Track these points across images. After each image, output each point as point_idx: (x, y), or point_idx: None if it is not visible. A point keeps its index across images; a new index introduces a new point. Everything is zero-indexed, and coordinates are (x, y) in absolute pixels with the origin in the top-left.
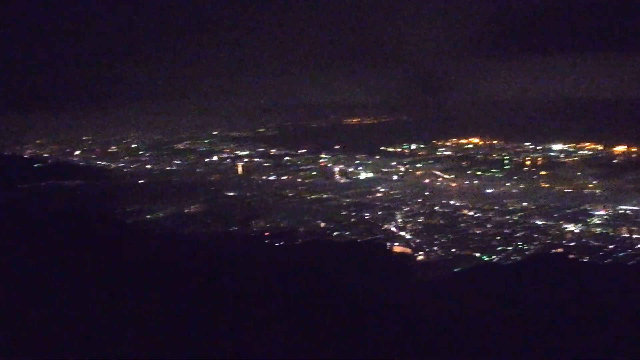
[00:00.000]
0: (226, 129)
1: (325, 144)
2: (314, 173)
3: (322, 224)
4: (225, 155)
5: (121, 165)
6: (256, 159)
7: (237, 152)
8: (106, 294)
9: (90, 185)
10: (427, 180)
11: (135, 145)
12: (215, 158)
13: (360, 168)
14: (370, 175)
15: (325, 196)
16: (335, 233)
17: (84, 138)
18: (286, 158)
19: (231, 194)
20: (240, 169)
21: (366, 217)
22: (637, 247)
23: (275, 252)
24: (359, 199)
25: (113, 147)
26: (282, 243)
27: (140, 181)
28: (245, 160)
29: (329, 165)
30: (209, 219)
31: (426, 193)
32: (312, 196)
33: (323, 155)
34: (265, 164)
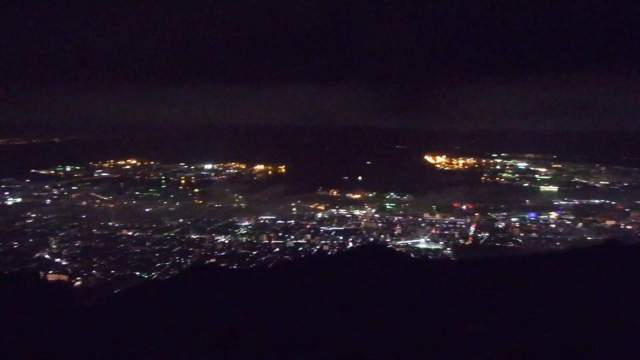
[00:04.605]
0: None
1: None
2: None
3: None
4: None
5: None
6: None
7: None
8: None
9: None
10: (84, 203)
11: None
12: None
13: (7, 193)
14: (19, 200)
15: None
16: None
17: None
18: None
19: None
20: None
21: (15, 246)
22: (275, 250)
23: None
24: (5, 227)
25: None
26: None
27: None
28: None
29: None
30: None
31: (83, 216)
32: None
33: None
34: None
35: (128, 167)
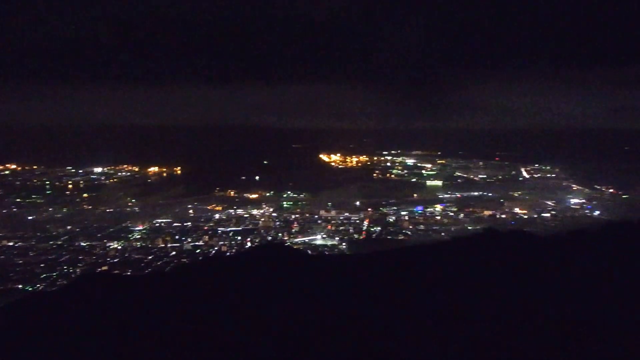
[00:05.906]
0: None
1: None
2: None
3: None
4: None
5: None
6: None
7: None
8: None
9: None
10: None
11: None
12: None
13: None
14: None
15: None
16: None
17: None
18: None
19: None
20: None
21: None
22: (171, 254)
23: None
24: None
25: None
26: None
27: None
28: None
29: None
30: None
31: None
32: None
33: None
34: None
35: (7, 172)
